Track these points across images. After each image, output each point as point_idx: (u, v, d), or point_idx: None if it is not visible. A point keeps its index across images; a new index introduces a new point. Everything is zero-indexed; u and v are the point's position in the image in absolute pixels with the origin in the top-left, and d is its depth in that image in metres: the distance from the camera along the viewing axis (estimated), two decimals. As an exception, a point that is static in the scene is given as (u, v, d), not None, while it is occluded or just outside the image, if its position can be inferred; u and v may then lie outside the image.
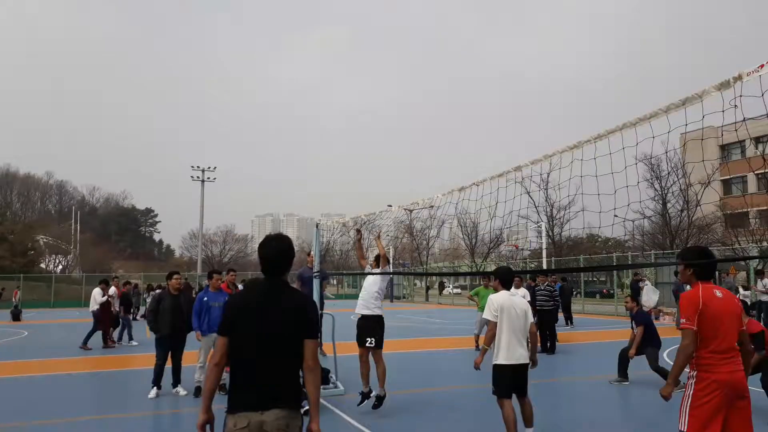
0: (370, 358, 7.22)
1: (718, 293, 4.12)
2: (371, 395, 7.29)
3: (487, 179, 5.08)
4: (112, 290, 16.15)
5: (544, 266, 29.27)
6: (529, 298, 13.27)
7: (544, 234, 31.28)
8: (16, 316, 27.30)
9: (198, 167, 51.53)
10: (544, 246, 29.38)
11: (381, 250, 7.40)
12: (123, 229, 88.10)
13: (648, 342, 9.24)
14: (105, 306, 15.51)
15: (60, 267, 63.54)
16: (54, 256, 65.16)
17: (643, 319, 9.41)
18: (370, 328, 7.15)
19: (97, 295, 15.50)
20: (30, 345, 16.43)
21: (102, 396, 9.17)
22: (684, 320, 4.02)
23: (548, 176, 38.61)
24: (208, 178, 51.77)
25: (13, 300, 29.87)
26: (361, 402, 7.34)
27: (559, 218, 46.52)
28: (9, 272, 45.76)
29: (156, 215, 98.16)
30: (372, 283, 7.38)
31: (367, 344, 7.06)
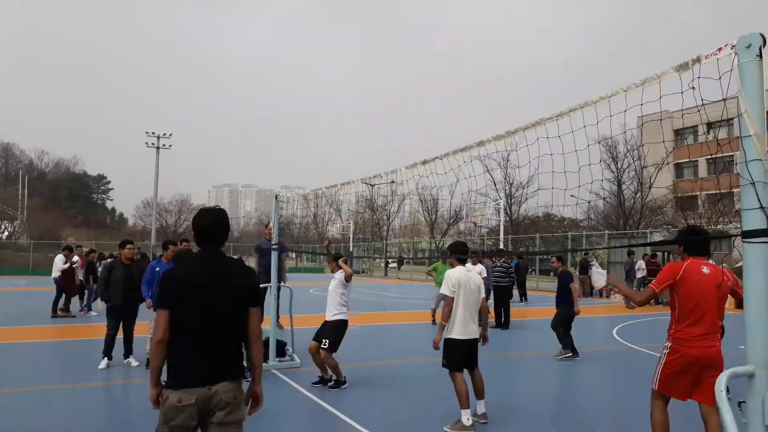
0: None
1: (705, 269, 4.29)
2: (330, 382, 7.34)
3: (450, 153, 5.07)
4: (75, 258, 15.69)
5: (501, 244, 29.80)
6: (485, 275, 13.52)
7: (502, 212, 31.79)
8: (-42, 283, 26.28)
9: (153, 133, 50.05)
10: (501, 224, 29.88)
11: (347, 270, 7.39)
12: (74, 196, 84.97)
13: (562, 301, 9.74)
14: (67, 273, 15.11)
15: (6, 233, 61.15)
16: (-1, 221, 62.63)
17: (569, 278, 9.84)
18: (330, 330, 7.19)
19: (59, 262, 15.13)
20: (-27, 313, 15.83)
21: (52, 366, 8.94)
22: (654, 281, 4.41)
23: (509, 155, 39.05)
24: (164, 145, 50.38)
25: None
26: (318, 383, 7.38)
27: (518, 197, 47.35)
28: (-49, 238, 43.80)
29: (108, 182, 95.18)
30: (333, 291, 7.35)
31: (321, 344, 7.11)
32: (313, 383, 7.35)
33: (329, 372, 7.30)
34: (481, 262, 14.31)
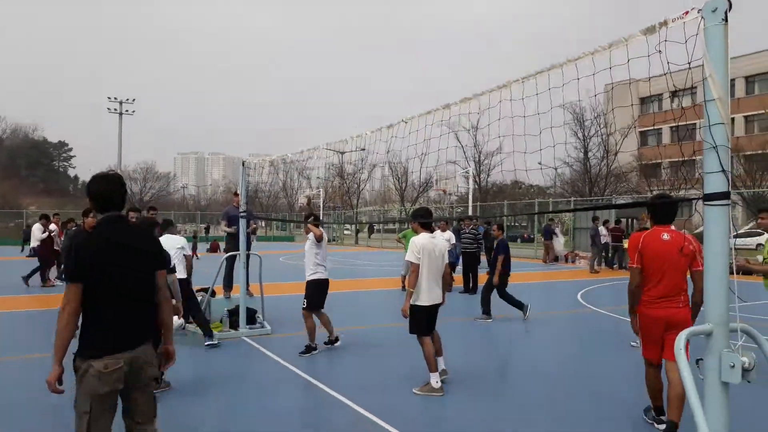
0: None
1: (665, 236, 4.47)
2: (336, 341, 7.65)
3: (416, 116, 5.04)
4: (53, 227, 15.35)
5: (470, 211, 30.07)
6: (454, 241, 13.65)
7: (471, 179, 32.00)
8: None
9: (115, 99, 48.59)
10: (470, 191, 30.06)
11: (316, 231, 7.40)
12: (34, 163, 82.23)
13: (493, 268, 10.12)
14: (46, 242, 14.80)
15: (-38, 202, 59.09)
16: (-45, 190, 60.38)
17: (501, 249, 10.14)
18: (308, 290, 7.35)
19: (36, 231, 14.88)
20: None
21: (16, 336, 8.76)
22: (630, 260, 4.62)
23: (478, 121, 39.16)
24: (127, 111, 48.99)
25: None
26: (327, 342, 7.66)
27: (486, 164, 47.67)
28: None
29: (70, 149, 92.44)
30: (308, 251, 7.46)
31: (302, 304, 7.30)
32: (325, 342, 7.57)
33: (333, 333, 7.56)
34: (459, 231, 14.46)
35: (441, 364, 6.08)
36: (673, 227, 4.65)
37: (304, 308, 7.25)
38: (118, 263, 3.02)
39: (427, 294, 5.79)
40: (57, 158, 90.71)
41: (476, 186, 44.13)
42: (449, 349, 7.46)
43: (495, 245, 10.37)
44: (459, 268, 14.23)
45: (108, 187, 3.13)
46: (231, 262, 10.27)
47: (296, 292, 13.15)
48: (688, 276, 4.47)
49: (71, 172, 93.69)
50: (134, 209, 8.85)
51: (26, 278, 14.31)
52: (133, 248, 3.11)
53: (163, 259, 3.34)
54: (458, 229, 14.92)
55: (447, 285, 6.30)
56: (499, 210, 36.73)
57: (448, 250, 11.83)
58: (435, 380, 5.70)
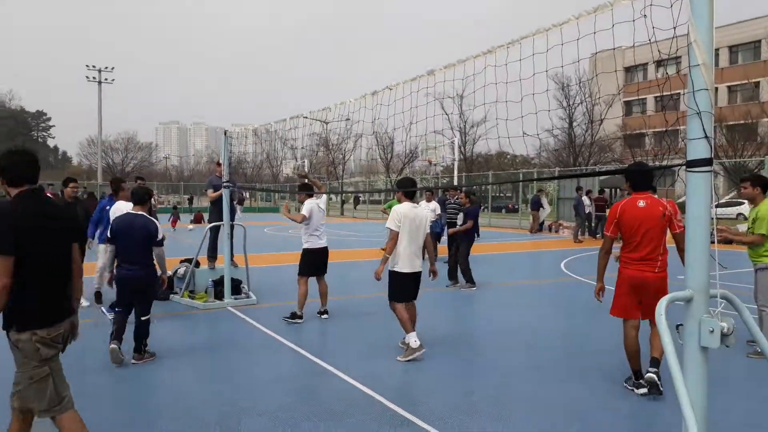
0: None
1: (641, 203, 4.66)
2: (324, 313, 7.73)
3: (401, 83, 4.97)
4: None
5: (455, 181, 30.08)
6: (439, 212, 13.66)
7: (456, 149, 31.86)
8: None
9: (94, 67, 47.49)
10: (456, 162, 29.99)
11: (295, 218, 7.58)
12: (12, 134, 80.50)
13: (463, 235, 10.15)
14: None
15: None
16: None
17: (470, 215, 10.17)
18: (300, 258, 7.60)
19: None
20: None
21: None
22: (605, 228, 4.93)
23: (463, 90, 38.90)
24: (106, 79, 47.95)
25: None
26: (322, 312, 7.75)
27: (472, 135, 47.58)
28: None
29: (49, 119, 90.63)
30: (301, 224, 7.64)
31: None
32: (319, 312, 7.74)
33: (325, 304, 7.72)
34: (444, 201, 14.49)
35: (414, 337, 5.92)
36: (656, 196, 4.75)
37: (299, 275, 7.50)
38: (46, 237, 3.05)
39: (408, 261, 5.81)
40: (36, 128, 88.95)
41: (462, 156, 44.07)
42: (435, 318, 7.54)
43: (464, 213, 10.31)
44: (444, 238, 14.29)
45: (26, 161, 3.12)
46: (215, 232, 10.21)
47: (281, 262, 13.17)
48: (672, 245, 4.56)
49: (50, 143, 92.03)
50: (120, 179, 8.72)
51: None
52: (57, 222, 3.16)
53: (80, 232, 3.40)
54: (444, 199, 14.93)
55: (430, 254, 6.32)
56: (483, 180, 36.79)
57: (434, 221, 11.92)
58: (413, 339, 5.75)
